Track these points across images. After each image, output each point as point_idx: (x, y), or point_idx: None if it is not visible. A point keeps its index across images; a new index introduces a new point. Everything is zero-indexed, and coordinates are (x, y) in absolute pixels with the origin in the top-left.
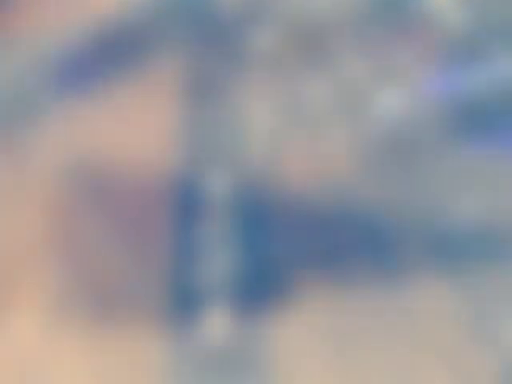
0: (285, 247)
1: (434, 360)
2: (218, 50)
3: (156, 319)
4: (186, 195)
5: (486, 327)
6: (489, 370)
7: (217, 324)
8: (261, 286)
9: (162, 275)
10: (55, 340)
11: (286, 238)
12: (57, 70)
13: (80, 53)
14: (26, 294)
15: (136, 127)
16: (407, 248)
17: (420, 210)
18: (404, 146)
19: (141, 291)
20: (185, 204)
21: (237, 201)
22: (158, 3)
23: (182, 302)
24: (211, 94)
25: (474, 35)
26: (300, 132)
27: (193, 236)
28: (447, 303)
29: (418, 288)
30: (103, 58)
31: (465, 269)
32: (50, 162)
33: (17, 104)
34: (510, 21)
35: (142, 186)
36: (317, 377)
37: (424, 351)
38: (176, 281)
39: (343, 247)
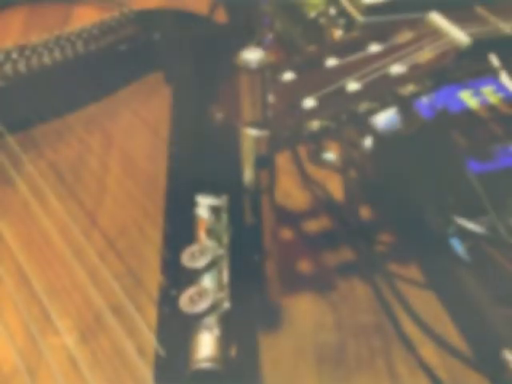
0: (276, 268)
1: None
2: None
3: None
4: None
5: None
6: None
7: (206, 345)
8: (251, 308)
9: (154, 293)
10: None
11: (277, 258)
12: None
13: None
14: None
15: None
16: (400, 267)
17: (414, 227)
18: (398, 162)
19: (131, 306)
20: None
21: (228, 220)
22: None
23: (173, 322)
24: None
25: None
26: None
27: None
28: (439, 323)
29: (408, 311)
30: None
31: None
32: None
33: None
34: None
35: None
36: None
37: (408, 369)
38: (168, 301)
39: (333, 268)
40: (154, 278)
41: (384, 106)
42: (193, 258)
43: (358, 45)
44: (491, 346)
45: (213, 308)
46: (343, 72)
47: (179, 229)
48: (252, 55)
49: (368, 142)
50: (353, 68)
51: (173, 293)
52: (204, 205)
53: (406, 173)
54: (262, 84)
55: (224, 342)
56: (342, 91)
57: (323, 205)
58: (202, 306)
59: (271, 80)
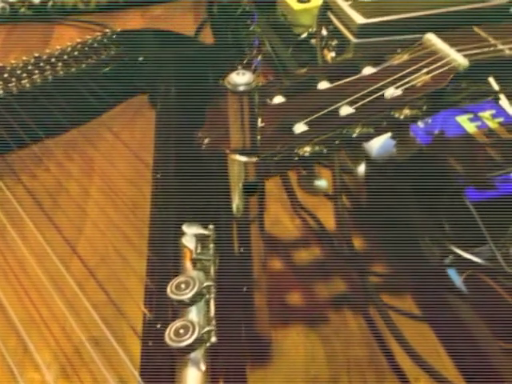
0: (265, 299)
1: None
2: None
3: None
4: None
5: None
6: None
7: (193, 381)
8: (239, 341)
9: (136, 325)
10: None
11: (266, 289)
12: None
13: None
14: None
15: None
16: (394, 299)
17: (409, 256)
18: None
19: (113, 338)
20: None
21: (215, 250)
22: None
23: (157, 356)
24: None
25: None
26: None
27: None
28: (434, 356)
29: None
30: None
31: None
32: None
33: None
34: None
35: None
36: None
37: None
38: (152, 334)
39: (324, 299)
40: (136, 309)
41: (379, 130)
42: (178, 289)
43: (351, 67)
44: (489, 380)
45: (199, 342)
46: (336, 95)
47: (164, 258)
48: (240, 78)
49: (362, 168)
50: (346, 91)
51: (157, 326)
52: (190, 234)
53: (401, 200)
54: (251, 108)
55: (211, 377)
56: (334, 115)
57: (314, 233)
58: (189, 339)
59: (260, 103)
